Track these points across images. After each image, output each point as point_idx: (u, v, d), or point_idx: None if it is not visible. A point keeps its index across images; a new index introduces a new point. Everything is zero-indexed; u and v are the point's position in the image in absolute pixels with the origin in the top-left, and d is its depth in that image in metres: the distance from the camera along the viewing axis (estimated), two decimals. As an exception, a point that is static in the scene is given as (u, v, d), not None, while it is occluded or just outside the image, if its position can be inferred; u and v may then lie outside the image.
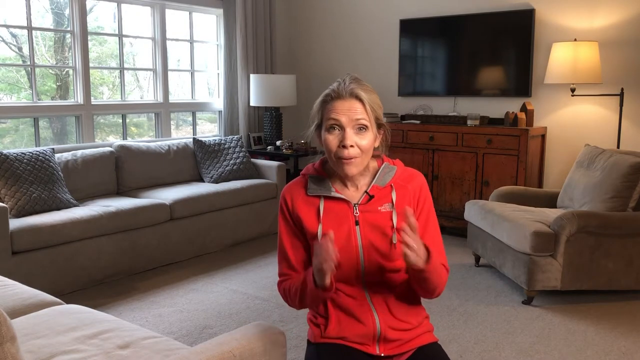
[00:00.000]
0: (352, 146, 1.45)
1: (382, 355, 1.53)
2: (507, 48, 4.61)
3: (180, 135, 5.32)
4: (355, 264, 1.51)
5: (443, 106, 5.03)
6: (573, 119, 4.44)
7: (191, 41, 5.27)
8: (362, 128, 1.47)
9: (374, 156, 1.58)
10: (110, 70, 4.84)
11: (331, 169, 1.57)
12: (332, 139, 1.47)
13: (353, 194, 1.55)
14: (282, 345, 1.56)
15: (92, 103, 4.44)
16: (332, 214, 1.53)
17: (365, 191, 1.54)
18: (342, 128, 1.46)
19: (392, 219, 1.51)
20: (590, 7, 4.28)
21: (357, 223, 1.52)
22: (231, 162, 4.69)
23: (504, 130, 4.27)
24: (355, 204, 1.53)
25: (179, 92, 5.35)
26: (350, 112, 1.46)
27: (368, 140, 1.48)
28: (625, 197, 3.28)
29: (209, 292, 3.42)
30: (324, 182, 1.56)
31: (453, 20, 4.86)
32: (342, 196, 1.53)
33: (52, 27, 4.38)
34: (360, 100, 1.47)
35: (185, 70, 5.29)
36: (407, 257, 1.36)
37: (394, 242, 1.50)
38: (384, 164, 1.57)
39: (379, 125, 1.52)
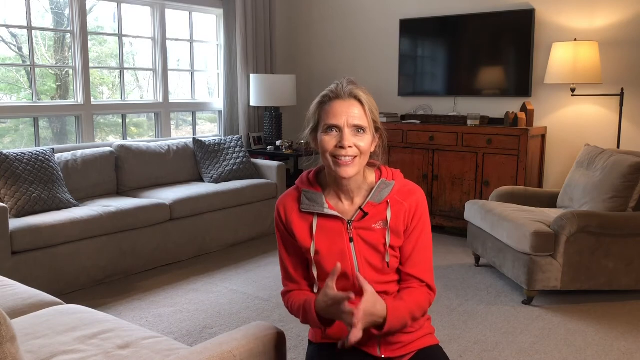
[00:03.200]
0: (350, 147, 1.43)
1: (383, 356, 1.53)
2: (507, 48, 4.61)
3: (180, 135, 5.32)
4: (352, 278, 1.49)
5: (443, 106, 5.03)
6: (573, 119, 4.44)
7: (191, 41, 5.27)
8: (360, 130, 1.44)
9: (371, 165, 1.55)
10: (110, 70, 4.84)
11: (326, 180, 1.54)
12: (329, 140, 1.45)
13: (347, 209, 1.51)
14: (282, 345, 1.56)
15: (92, 103, 4.44)
16: (325, 231, 1.50)
17: (360, 207, 1.50)
18: (340, 129, 1.44)
19: (385, 237, 1.49)
20: (590, 7, 4.28)
21: (351, 240, 1.49)
22: (231, 162, 4.69)
23: (504, 130, 4.27)
24: (349, 221, 1.50)
25: (178, 92, 5.35)
26: (349, 113, 1.43)
27: (366, 142, 1.45)
28: (625, 197, 3.28)
29: (209, 292, 3.42)
30: (317, 197, 1.52)
31: (453, 20, 4.86)
32: (336, 213, 1.50)
33: (52, 27, 4.37)
34: (360, 101, 1.45)
35: (185, 70, 5.29)
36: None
37: (387, 260, 1.49)
38: (380, 180, 1.53)
39: (376, 129, 1.49)
